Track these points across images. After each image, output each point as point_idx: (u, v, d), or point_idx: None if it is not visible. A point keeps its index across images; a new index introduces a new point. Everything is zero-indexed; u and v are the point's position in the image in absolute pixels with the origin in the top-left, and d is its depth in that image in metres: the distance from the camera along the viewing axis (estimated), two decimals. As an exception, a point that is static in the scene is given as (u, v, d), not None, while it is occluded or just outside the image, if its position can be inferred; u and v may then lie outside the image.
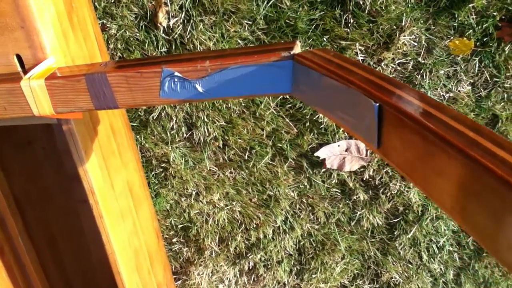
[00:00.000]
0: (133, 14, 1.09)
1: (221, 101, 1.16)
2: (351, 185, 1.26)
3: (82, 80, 0.61)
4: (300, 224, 1.34)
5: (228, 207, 1.33)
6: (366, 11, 1.04)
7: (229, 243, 1.39)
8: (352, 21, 1.06)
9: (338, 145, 1.20)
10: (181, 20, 1.08)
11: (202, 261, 1.44)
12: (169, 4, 1.06)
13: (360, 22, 1.05)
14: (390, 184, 1.25)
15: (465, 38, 1.06)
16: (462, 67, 1.10)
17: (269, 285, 1.46)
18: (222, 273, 1.47)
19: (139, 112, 1.21)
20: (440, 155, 0.35)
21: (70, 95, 0.62)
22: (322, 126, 1.17)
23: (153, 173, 1.29)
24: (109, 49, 1.11)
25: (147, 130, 1.22)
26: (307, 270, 1.42)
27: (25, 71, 0.70)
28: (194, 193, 1.32)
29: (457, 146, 0.33)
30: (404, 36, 1.06)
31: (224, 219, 1.35)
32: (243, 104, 1.17)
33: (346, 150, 1.20)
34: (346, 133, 1.20)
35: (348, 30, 1.07)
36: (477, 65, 1.09)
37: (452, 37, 1.07)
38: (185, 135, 1.23)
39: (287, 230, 1.35)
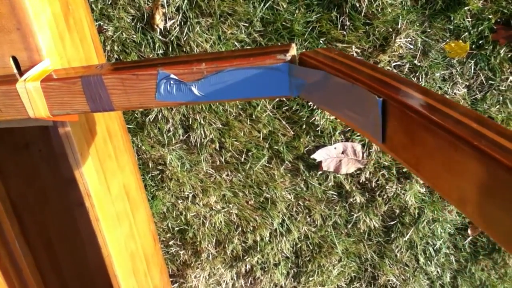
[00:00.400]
0: (130, 16, 1.09)
1: (217, 103, 1.16)
2: (347, 187, 1.26)
3: (78, 82, 0.61)
4: (297, 226, 1.34)
5: (225, 210, 1.33)
6: (363, 14, 1.05)
7: (226, 245, 1.39)
8: (348, 23, 1.06)
9: (335, 148, 1.20)
10: (178, 22, 1.08)
11: (199, 264, 1.44)
12: (166, 6, 1.06)
13: (356, 24, 1.06)
14: (387, 187, 1.25)
15: (460, 41, 1.06)
16: (458, 69, 1.10)
17: (266, 288, 1.46)
18: (219, 276, 1.46)
19: (135, 114, 1.21)
20: (447, 148, 0.34)
21: (66, 97, 0.62)
22: (319, 128, 1.17)
23: (149, 175, 1.29)
24: (105, 51, 1.11)
25: (144, 132, 1.22)
26: (304, 272, 1.42)
27: (21, 73, 0.70)
28: (190, 195, 1.32)
29: (464, 138, 0.33)
30: (400, 38, 1.06)
31: (221, 221, 1.35)
32: (239, 107, 1.17)
33: (342, 153, 1.20)
34: (342, 136, 1.20)
35: (345, 32, 1.07)
36: (472, 67, 1.10)
37: (447, 40, 1.07)
38: (181, 137, 1.23)
39: (284, 232, 1.35)
